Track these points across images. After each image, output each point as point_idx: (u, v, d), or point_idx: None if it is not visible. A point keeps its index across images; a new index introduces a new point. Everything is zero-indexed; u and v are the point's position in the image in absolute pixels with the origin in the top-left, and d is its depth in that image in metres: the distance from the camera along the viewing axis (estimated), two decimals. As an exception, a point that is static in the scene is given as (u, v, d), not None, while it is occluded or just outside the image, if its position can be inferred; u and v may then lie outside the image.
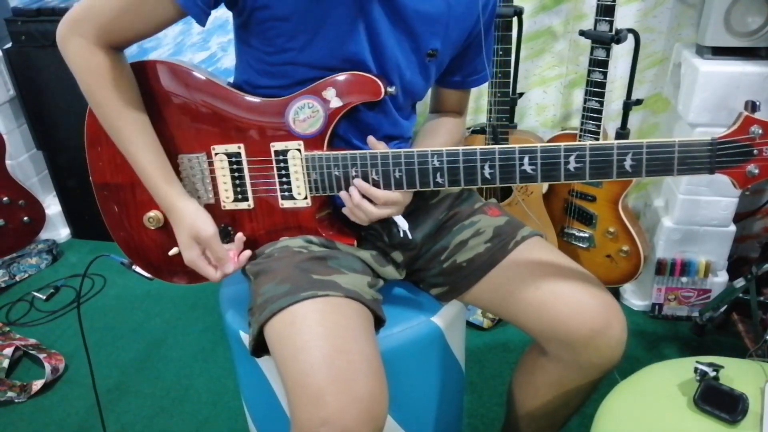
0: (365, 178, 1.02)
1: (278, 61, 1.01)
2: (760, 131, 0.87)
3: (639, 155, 0.90)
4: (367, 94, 1.00)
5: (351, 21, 0.97)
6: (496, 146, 0.95)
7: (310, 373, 0.87)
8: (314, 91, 1.00)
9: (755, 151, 0.88)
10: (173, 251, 1.11)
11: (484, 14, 1.08)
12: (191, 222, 1.03)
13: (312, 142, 1.03)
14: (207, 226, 1.04)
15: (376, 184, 1.01)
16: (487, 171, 0.95)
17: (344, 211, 1.04)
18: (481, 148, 0.95)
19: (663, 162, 0.90)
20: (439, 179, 0.98)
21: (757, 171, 0.89)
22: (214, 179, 1.08)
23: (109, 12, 0.95)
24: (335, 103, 1.00)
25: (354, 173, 1.01)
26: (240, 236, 1.09)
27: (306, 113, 1.01)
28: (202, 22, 0.96)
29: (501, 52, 1.70)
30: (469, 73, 1.18)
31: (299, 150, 1.03)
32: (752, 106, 0.88)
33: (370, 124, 1.06)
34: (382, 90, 1.00)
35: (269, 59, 1.01)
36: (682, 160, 0.89)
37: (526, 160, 0.93)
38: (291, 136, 1.03)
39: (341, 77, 1.00)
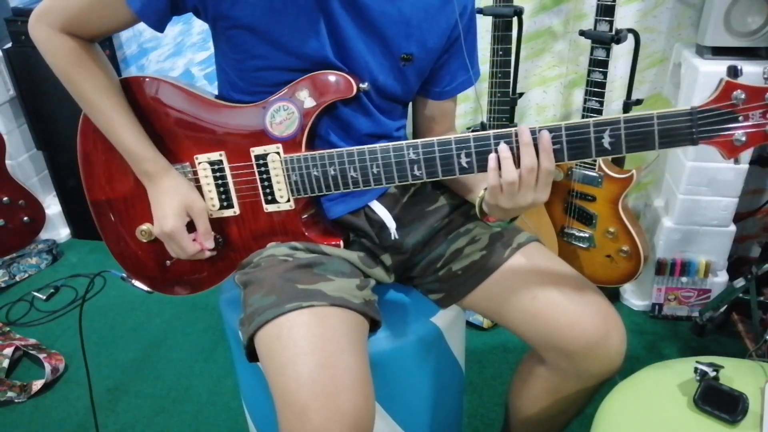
0: (344, 176, 1.01)
1: (250, 68, 1.01)
2: (744, 96, 0.81)
3: (617, 131, 0.87)
4: (339, 93, 1.00)
5: (314, 26, 0.97)
6: (471, 134, 0.93)
7: (294, 389, 0.87)
8: (288, 93, 1.01)
9: (740, 118, 0.82)
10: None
11: (462, 19, 1.07)
12: (187, 191, 1.05)
13: (290, 144, 1.03)
14: (201, 199, 1.06)
15: (354, 182, 1.01)
16: (463, 160, 0.94)
17: (491, 164, 0.91)
18: (456, 137, 0.94)
19: (643, 136, 0.86)
20: (416, 171, 0.97)
21: (744, 138, 0.83)
22: (199, 188, 1.09)
23: (74, 8, 0.98)
24: (309, 103, 1.01)
25: (333, 172, 1.01)
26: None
27: (282, 116, 1.02)
28: (158, 29, 1.01)
29: (501, 52, 1.70)
30: (451, 80, 1.16)
31: (278, 153, 1.03)
32: (734, 72, 0.82)
33: (348, 122, 1.06)
34: (354, 86, 0.99)
35: (241, 66, 1.02)
36: (662, 132, 0.85)
37: (502, 146, 0.92)
38: (269, 139, 1.03)
39: (313, 77, 1.00)
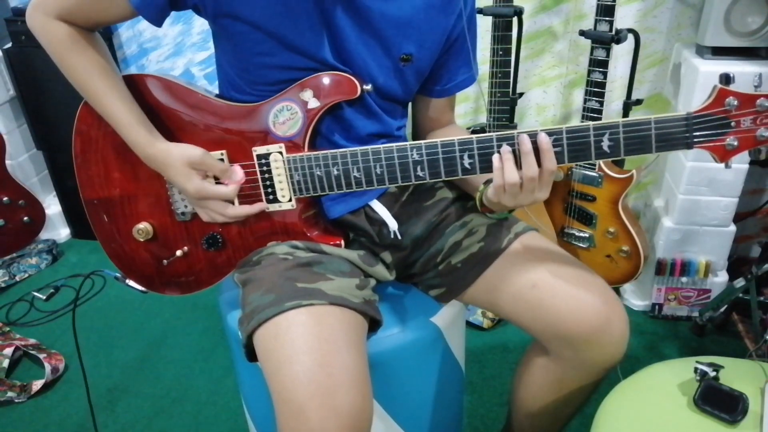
0: (347, 177, 1.01)
1: (251, 65, 1.01)
2: (736, 103, 0.85)
3: (616, 135, 0.89)
4: (343, 94, 1.01)
5: (314, 28, 0.97)
6: (474, 135, 0.94)
7: (292, 388, 0.87)
8: (292, 93, 1.01)
9: (732, 123, 0.86)
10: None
11: (463, 18, 1.07)
12: (180, 152, 1.03)
13: (293, 144, 1.03)
14: (194, 149, 1.03)
15: (357, 182, 1.01)
16: (466, 161, 0.95)
17: (495, 164, 0.93)
18: (459, 138, 0.95)
19: (640, 140, 0.89)
20: (419, 172, 0.98)
21: (736, 143, 0.87)
22: None
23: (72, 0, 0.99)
24: (313, 104, 1.01)
25: (336, 172, 1.01)
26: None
27: (285, 116, 1.02)
28: (156, 23, 1.01)
29: (501, 52, 1.70)
30: (451, 78, 1.16)
31: (281, 153, 1.03)
32: (726, 79, 0.85)
33: (351, 121, 1.06)
34: (358, 88, 1.00)
35: (242, 64, 1.02)
36: (659, 136, 0.88)
37: (504, 148, 0.93)
38: (272, 139, 1.03)
39: (317, 78, 1.00)
